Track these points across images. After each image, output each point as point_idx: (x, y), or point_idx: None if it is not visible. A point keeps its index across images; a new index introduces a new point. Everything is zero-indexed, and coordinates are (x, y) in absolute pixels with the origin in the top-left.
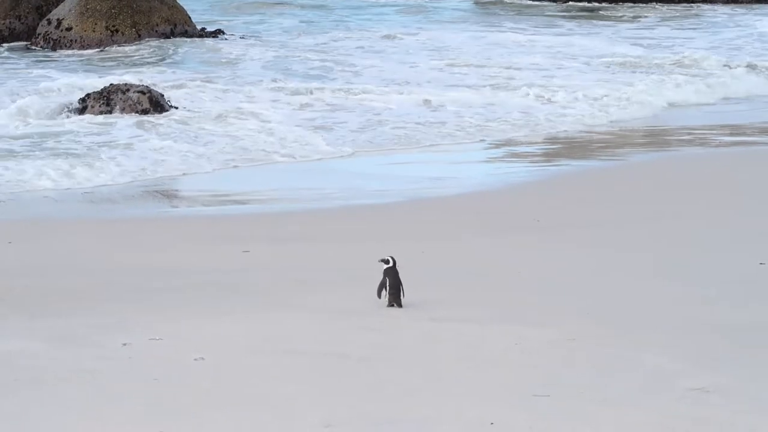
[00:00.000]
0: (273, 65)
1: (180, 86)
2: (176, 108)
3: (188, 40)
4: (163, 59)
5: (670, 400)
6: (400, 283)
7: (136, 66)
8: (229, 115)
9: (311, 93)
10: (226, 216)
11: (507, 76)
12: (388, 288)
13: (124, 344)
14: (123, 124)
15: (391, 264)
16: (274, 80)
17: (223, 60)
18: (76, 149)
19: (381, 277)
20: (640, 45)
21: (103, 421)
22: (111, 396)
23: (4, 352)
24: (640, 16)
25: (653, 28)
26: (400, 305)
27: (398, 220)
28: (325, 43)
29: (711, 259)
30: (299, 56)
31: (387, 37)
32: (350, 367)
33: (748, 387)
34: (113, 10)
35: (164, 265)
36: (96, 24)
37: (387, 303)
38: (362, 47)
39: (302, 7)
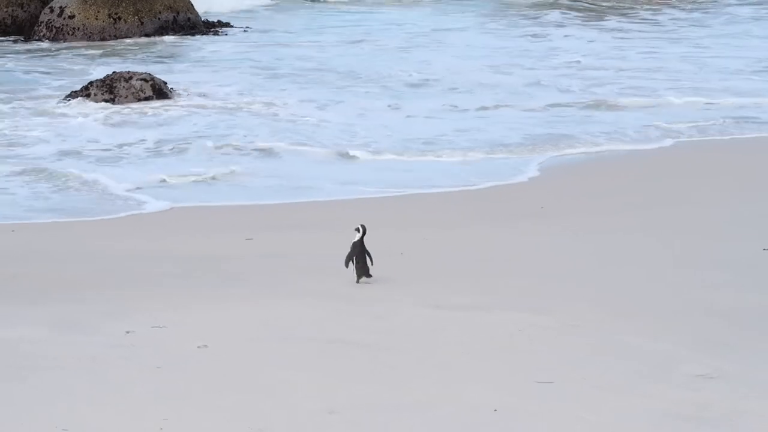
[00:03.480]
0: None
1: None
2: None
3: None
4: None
5: (673, 385)
6: (366, 252)
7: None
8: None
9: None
10: (229, 204)
11: None
12: (354, 261)
13: (128, 332)
14: None
15: (359, 235)
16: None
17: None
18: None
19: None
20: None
21: (106, 409)
22: (114, 383)
23: (8, 339)
24: (659, 11)
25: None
26: (368, 275)
27: (402, 208)
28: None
29: (714, 245)
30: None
31: None
32: (354, 354)
33: (751, 373)
34: None
35: (167, 253)
36: (99, 12)
37: (356, 279)
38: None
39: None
